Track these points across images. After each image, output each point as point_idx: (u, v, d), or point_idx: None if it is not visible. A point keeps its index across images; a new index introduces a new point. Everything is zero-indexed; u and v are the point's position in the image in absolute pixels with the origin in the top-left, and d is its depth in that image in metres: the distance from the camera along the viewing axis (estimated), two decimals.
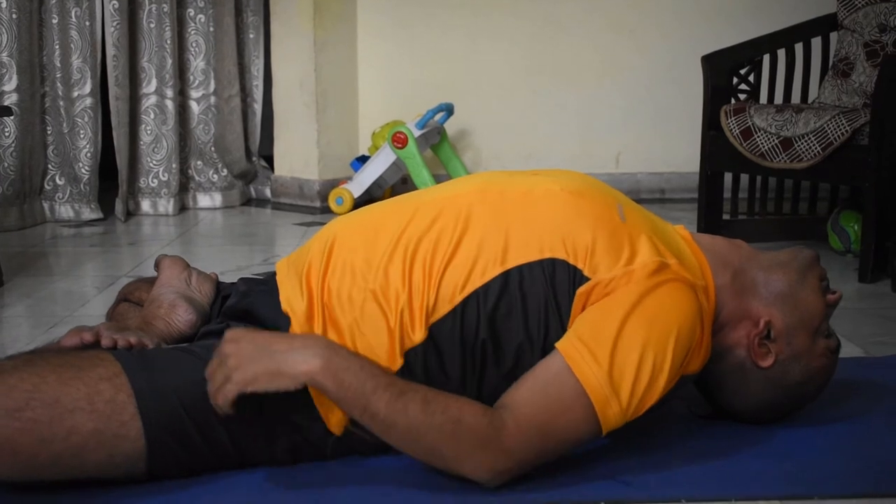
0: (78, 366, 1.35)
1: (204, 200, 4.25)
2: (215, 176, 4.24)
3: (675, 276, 1.44)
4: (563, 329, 1.43)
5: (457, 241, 1.46)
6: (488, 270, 1.44)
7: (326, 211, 4.14)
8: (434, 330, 1.44)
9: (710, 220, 3.30)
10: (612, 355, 1.37)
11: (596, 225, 1.46)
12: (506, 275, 1.44)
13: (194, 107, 4.19)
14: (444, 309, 1.44)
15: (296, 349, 1.34)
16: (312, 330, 1.44)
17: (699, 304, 1.45)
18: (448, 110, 4.20)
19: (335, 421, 1.44)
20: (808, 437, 1.60)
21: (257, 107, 4.44)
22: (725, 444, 1.58)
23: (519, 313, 1.43)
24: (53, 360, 1.36)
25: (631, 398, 1.37)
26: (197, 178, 4.24)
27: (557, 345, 1.40)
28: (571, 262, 1.43)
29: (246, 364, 1.33)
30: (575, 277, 1.43)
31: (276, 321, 1.46)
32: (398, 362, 1.44)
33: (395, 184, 4.29)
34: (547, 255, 1.44)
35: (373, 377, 1.35)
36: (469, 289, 1.43)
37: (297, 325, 1.44)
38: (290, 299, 1.47)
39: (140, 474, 1.38)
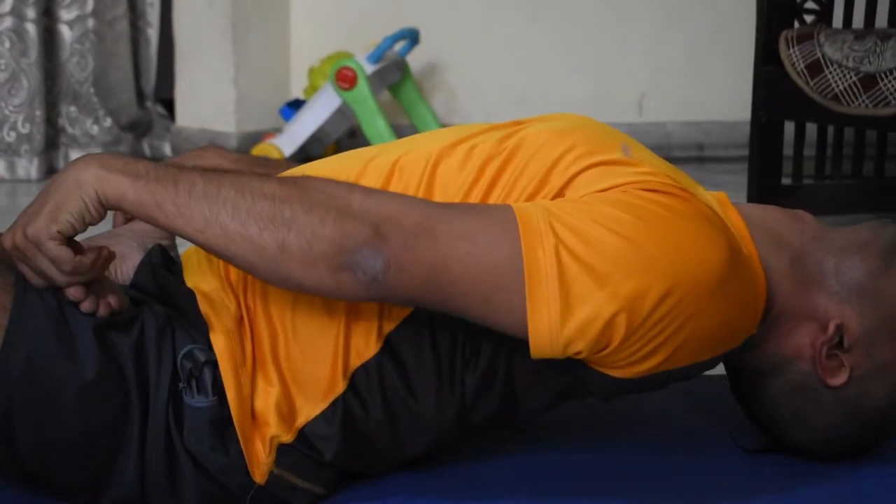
0: None
1: None
2: (95, 127, 4.22)
3: (697, 205, 1.44)
4: None
5: None
6: None
7: None
8: (393, 339, 1.47)
9: (765, 186, 3.30)
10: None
11: (585, 154, 1.48)
12: None
13: (66, 32, 4.15)
14: (404, 310, 1.47)
15: (67, 169, 1.39)
16: (241, 341, 1.47)
17: (735, 250, 1.44)
18: (411, 38, 4.18)
19: (258, 462, 1.46)
20: (891, 479, 1.61)
21: (152, 33, 4.41)
22: (781, 489, 1.58)
23: None
24: None
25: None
26: (70, 129, 4.22)
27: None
28: None
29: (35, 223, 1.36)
30: None
31: (196, 322, 1.48)
32: (340, 386, 1.46)
33: (341, 138, 4.28)
34: None
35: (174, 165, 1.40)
36: None
37: (220, 332, 1.46)
38: (213, 302, 1.49)
39: None
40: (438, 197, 1.49)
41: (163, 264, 1.57)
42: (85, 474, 1.43)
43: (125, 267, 1.61)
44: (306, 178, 1.38)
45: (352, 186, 1.39)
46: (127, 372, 1.42)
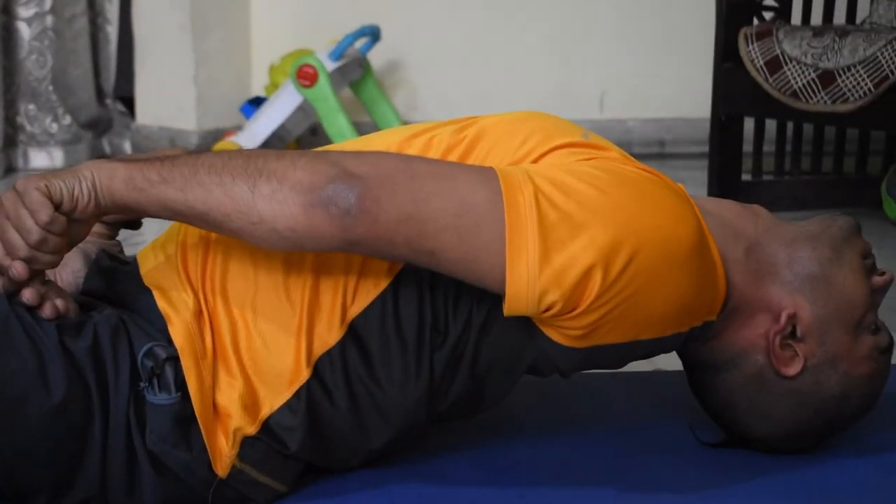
0: None
1: (39, 158, 4.22)
2: (54, 125, 4.22)
3: (667, 179, 1.46)
4: None
5: None
6: None
7: None
8: (357, 325, 1.47)
9: (725, 182, 3.32)
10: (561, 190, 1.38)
11: (548, 138, 1.50)
12: None
13: (24, 30, 4.14)
14: (368, 295, 1.47)
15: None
16: (201, 334, 1.46)
17: (701, 228, 1.46)
18: (373, 35, 4.18)
19: (221, 455, 1.46)
20: (851, 470, 1.62)
21: (111, 30, 4.40)
22: (741, 482, 1.59)
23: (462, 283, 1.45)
24: None
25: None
26: (29, 127, 4.21)
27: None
28: None
29: (30, 177, 1.39)
30: None
31: (153, 319, 1.48)
32: (304, 374, 1.46)
33: (302, 135, 4.28)
34: None
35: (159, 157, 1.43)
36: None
37: (179, 326, 1.46)
38: (170, 297, 1.49)
39: None
40: None
41: (112, 267, 1.58)
42: (47, 478, 1.42)
43: (64, 273, 1.60)
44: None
45: (326, 150, 1.42)
46: (87, 378, 1.41)
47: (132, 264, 1.56)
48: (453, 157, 1.51)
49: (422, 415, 1.52)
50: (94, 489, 1.44)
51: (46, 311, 1.41)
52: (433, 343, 1.48)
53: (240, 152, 1.39)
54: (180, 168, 1.37)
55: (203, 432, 1.44)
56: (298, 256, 1.46)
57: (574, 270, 1.35)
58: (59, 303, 1.43)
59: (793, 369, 1.54)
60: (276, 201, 1.33)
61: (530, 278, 1.35)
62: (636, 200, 1.39)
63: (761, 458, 1.64)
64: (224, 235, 1.44)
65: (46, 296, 1.42)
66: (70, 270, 1.59)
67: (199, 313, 1.47)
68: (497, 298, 1.42)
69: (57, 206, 1.37)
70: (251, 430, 1.45)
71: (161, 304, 1.48)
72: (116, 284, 1.54)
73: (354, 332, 1.47)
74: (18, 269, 1.38)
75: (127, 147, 4.37)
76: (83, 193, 1.38)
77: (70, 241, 1.41)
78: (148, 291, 1.50)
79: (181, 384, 1.43)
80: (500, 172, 1.38)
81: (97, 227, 1.64)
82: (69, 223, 1.39)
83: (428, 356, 1.48)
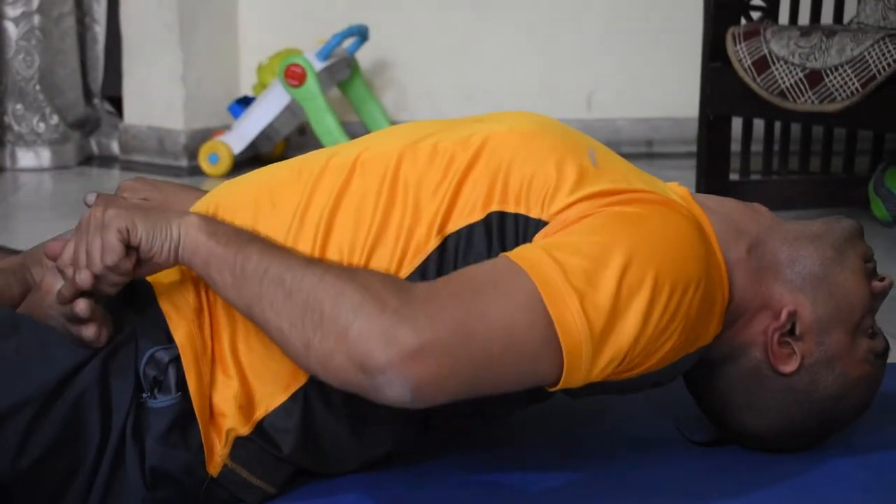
0: None
1: (26, 158, 4.22)
2: (42, 125, 4.21)
3: (671, 204, 1.46)
4: None
5: (384, 210, 1.49)
6: (423, 243, 1.47)
7: (196, 172, 4.13)
8: None
9: (713, 181, 3.32)
10: (585, 269, 1.37)
11: (556, 160, 1.49)
12: (443, 244, 1.47)
13: (11, 29, 4.14)
14: None
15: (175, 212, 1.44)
16: (202, 332, 1.47)
17: (709, 244, 1.47)
18: (361, 34, 4.18)
19: (214, 453, 1.46)
20: (844, 471, 1.62)
21: (99, 30, 4.40)
22: (733, 481, 1.59)
23: None
24: None
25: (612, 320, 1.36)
26: (16, 127, 4.21)
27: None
28: (523, 211, 1.47)
29: (123, 210, 1.40)
30: (527, 226, 1.46)
31: (154, 315, 1.47)
32: (302, 377, 1.46)
33: (291, 135, 4.29)
34: (494, 208, 1.47)
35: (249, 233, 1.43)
36: (405, 271, 1.46)
37: (181, 323, 1.46)
38: (171, 294, 1.49)
39: None
40: (401, 195, 1.49)
41: None
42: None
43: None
44: (353, 272, 1.37)
45: (386, 293, 1.34)
46: (88, 422, 1.41)
47: None
48: (456, 166, 1.50)
49: (418, 425, 1.52)
50: None
51: (91, 331, 1.41)
52: None
53: (304, 275, 1.35)
54: (250, 282, 1.37)
55: (200, 429, 1.44)
56: None
57: (621, 354, 1.38)
58: (104, 331, 1.42)
59: (789, 367, 1.55)
60: (328, 370, 1.33)
61: (583, 379, 1.38)
62: (660, 260, 1.40)
63: (756, 458, 1.65)
64: None
65: (94, 316, 1.41)
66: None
67: (199, 311, 1.48)
68: None
69: (131, 246, 1.38)
70: (244, 430, 1.46)
71: (162, 300, 1.48)
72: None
73: None
74: (85, 276, 1.38)
75: (115, 147, 4.37)
76: (162, 250, 1.39)
77: (135, 276, 1.42)
78: (149, 286, 1.50)
79: (181, 383, 1.43)
80: (541, 286, 1.35)
81: None
82: (140, 262, 1.40)
83: None
